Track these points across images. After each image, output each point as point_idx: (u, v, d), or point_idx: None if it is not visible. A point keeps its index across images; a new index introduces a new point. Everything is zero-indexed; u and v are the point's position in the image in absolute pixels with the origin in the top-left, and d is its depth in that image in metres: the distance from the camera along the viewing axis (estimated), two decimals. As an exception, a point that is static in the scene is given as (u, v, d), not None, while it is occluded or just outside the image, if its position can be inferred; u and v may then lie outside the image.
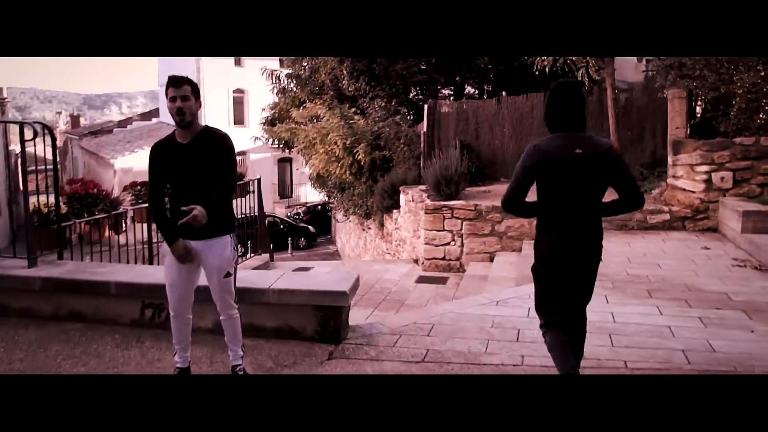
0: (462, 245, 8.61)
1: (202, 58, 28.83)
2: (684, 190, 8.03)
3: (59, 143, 38.31)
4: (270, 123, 18.96)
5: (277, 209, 29.96)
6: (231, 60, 30.13)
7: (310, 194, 28.79)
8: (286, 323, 4.51)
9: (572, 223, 3.15)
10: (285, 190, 33.49)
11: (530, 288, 5.55)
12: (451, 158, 9.46)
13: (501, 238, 8.34)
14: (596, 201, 3.16)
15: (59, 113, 56.65)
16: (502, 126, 11.93)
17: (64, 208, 5.13)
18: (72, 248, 5.49)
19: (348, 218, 16.65)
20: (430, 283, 8.07)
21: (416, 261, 9.49)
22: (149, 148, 3.55)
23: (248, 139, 24.54)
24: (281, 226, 25.15)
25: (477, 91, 17.67)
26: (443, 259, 8.73)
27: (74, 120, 39.91)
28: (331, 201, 19.47)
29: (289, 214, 29.29)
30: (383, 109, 14.59)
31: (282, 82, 18.69)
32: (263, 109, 19.83)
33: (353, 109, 15.08)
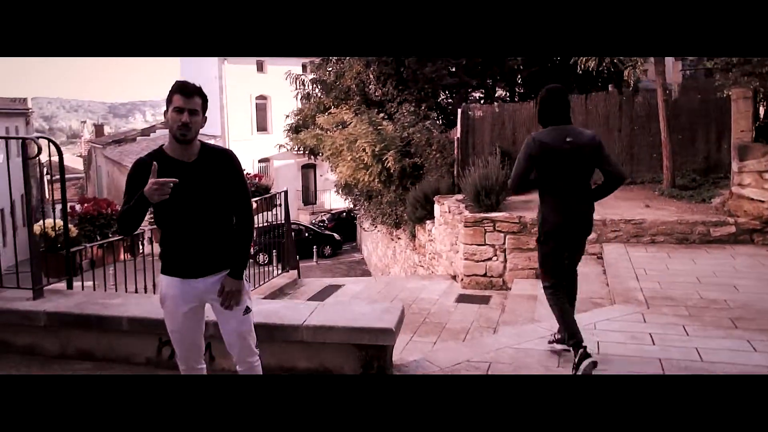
0: (505, 261, 7.95)
1: (225, 65, 28.60)
2: (752, 199, 7.28)
3: (83, 152, 38.49)
4: (294, 130, 18.48)
5: (301, 216, 29.58)
6: (253, 66, 29.88)
7: (334, 201, 28.33)
8: (322, 364, 3.95)
9: (568, 200, 3.82)
10: (309, 197, 33.11)
11: (596, 316, 4.86)
12: (491, 166, 8.81)
13: (547, 253, 7.66)
14: (585, 180, 3.86)
15: (84, 122, 57.18)
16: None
17: (74, 231, 4.57)
18: (83, 274, 4.96)
19: (376, 227, 16.06)
20: (472, 303, 7.42)
21: (454, 277, 8.85)
22: None
23: (272, 146, 24.16)
24: (306, 234, 24.74)
25: (508, 94, 16.99)
26: (485, 275, 8.07)
27: (98, 129, 40.05)
28: (357, 208, 18.90)
29: (313, 221, 28.88)
30: (412, 114, 13.95)
31: (306, 87, 18.20)
32: (287, 116, 19.35)
33: (381, 115, 14.48)
